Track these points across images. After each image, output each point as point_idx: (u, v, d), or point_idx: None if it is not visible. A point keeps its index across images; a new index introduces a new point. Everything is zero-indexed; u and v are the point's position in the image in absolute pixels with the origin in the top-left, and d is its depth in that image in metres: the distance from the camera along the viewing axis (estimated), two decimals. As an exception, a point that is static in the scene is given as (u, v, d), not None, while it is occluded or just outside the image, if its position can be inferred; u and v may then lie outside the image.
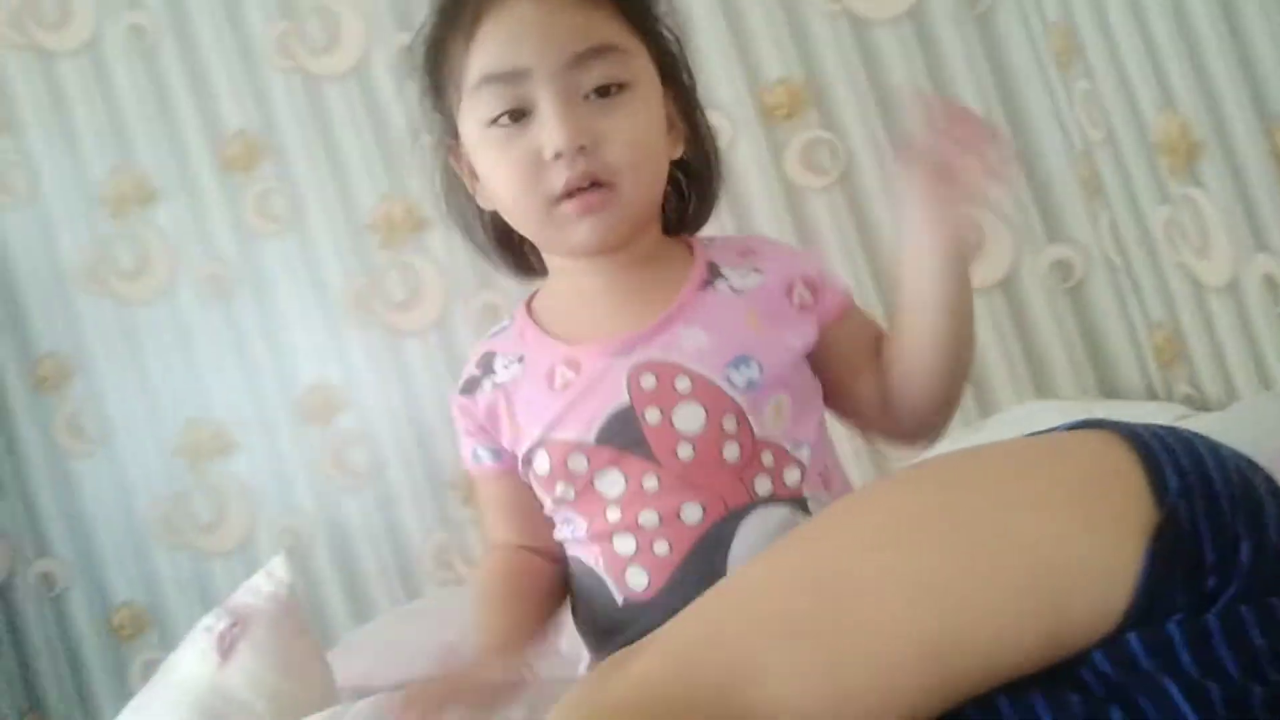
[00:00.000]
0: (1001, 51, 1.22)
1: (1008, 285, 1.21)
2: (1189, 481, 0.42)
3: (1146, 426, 0.46)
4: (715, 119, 1.24)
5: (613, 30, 0.58)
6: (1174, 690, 0.39)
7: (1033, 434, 0.51)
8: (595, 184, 0.56)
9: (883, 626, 0.42)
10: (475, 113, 0.57)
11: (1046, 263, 1.21)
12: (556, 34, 0.56)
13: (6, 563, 1.39)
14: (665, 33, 0.62)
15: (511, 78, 0.56)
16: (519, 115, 0.56)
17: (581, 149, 0.55)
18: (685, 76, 0.64)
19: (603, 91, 0.56)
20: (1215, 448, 0.45)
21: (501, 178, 0.58)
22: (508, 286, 1.29)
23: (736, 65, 1.26)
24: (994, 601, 0.42)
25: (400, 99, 1.31)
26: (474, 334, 1.30)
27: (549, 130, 0.55)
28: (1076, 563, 0.42)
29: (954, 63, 1.22)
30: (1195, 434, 0.45)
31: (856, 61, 1.24)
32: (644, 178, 0.58)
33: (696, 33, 1.25)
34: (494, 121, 0.56)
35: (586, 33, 0.56)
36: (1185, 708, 0.39)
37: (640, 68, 0.59)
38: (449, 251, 1.31)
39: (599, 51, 0.56)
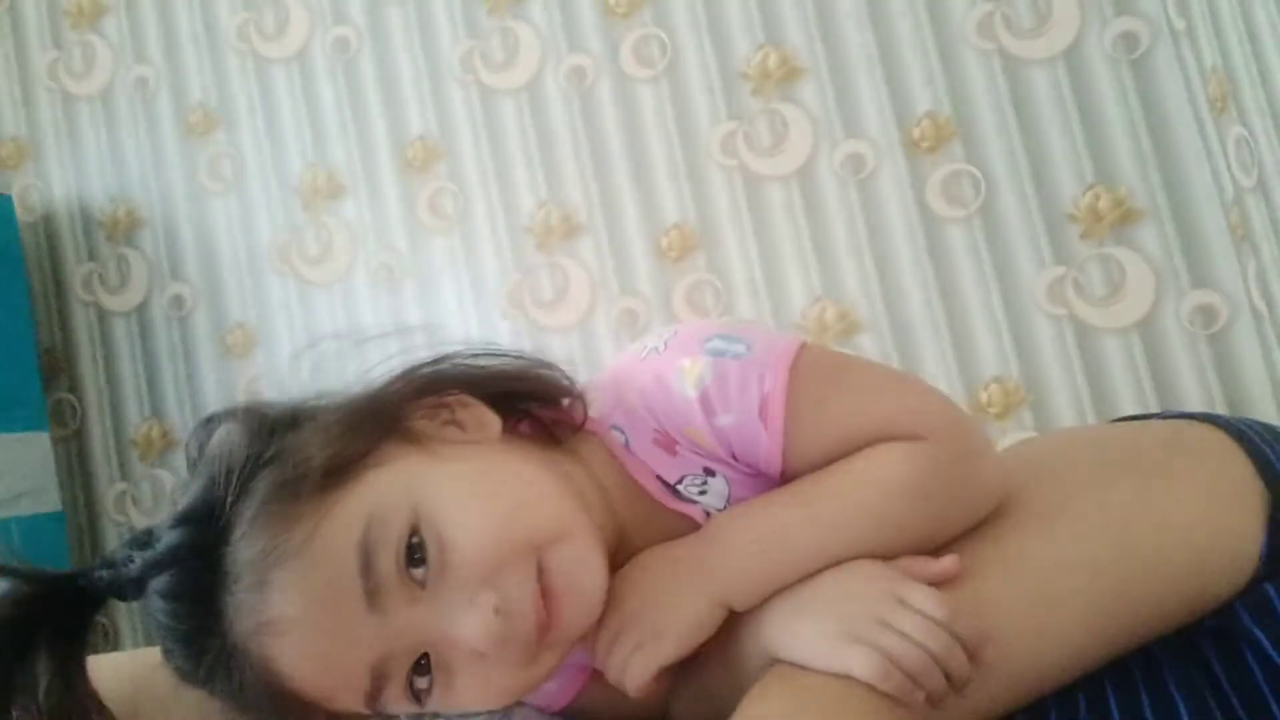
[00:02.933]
0: (1156, 95, 1.22)
1: (1145, 327, 1.21)
2: None
3: (1239, 419, 0.55)
4: (860, 148, 1.30)
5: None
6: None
7: (1144, 419, 0.63)
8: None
9: (1064, 602, 0.49)
10: None
11: (1189, 307, 1.20)
12: None
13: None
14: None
15: None
16: None
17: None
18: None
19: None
20: None
21: None
22: (648, 294, 1.38)
23: (885, 97, 1.30)
24: (1156, 579, 0.50)
25: (566, 114, 1.42)
26: (612, 336, 1.39)
27: None
28: (1215, 538, 0.50)
29: (1106, 105, 1.23)
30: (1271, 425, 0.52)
31: (1006, 99, 1.27)
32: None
33: (848, 63, 1.31)
34: None
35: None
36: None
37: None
38: (597, 258, 1.40)
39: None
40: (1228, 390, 1.18)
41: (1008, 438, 1.24)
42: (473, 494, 0.50)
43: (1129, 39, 1.23)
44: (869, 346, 1.29)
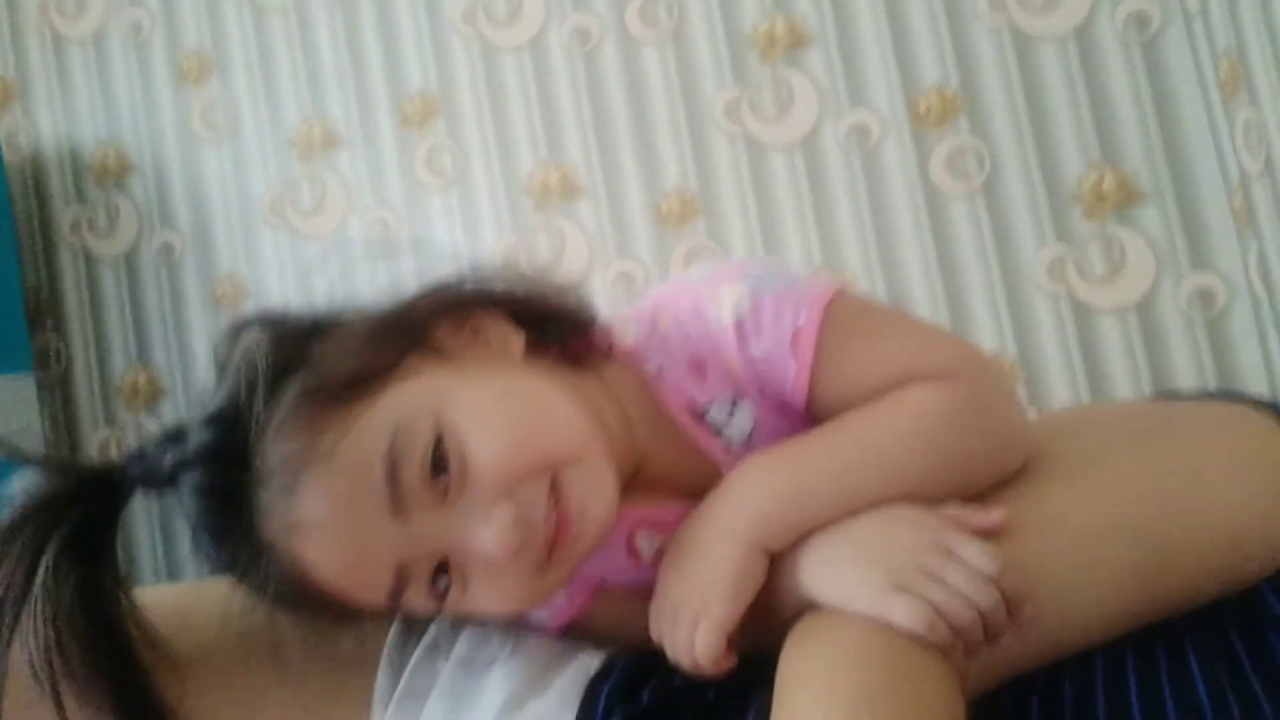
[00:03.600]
0: (1166, 77, 1.21)
1: (1143, 308, 1.21)
2: None
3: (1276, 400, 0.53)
4: (865, 118, 1.29)
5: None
6: None
7: (1181, 400, 0.63)
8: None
9: (1101, 567, 0.48)
10: None
11: (1188, 290, 1.20)
12: None
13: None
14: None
15: None
16: None
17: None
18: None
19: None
20: None
21: None
22: (645, 258, 1.37)
23: (893, 68, 1.29)
24: (1194, 554, 0.49)
25: (569, 74, 1.40)
26: (609, 300, 1.37)
27: None
28: (1255, 521, 0.49)
29: (1116, 85, 1.22)
30: None
31: (1015, 75, 1.25)
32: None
33: (857, 34, 1.30)
34: None
35: None
36: None
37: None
38: (596, 220, 1.39)
39: None
40: (1222, 374, 1.18)
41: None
42: (494, 411, 0.50)
43: (1141, 19, 1.22)
44: (867, 319, 1.28)
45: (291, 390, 0.47)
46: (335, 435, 0.47)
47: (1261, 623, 0.47)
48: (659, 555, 0.54)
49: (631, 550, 0.56)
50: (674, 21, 1.37)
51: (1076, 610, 0.47)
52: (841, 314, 0.52)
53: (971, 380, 0.51)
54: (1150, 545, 0.48)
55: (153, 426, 1.56)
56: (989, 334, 1.25)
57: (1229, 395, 0.60)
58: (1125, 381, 1.20)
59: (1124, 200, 1.22)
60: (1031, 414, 1.23)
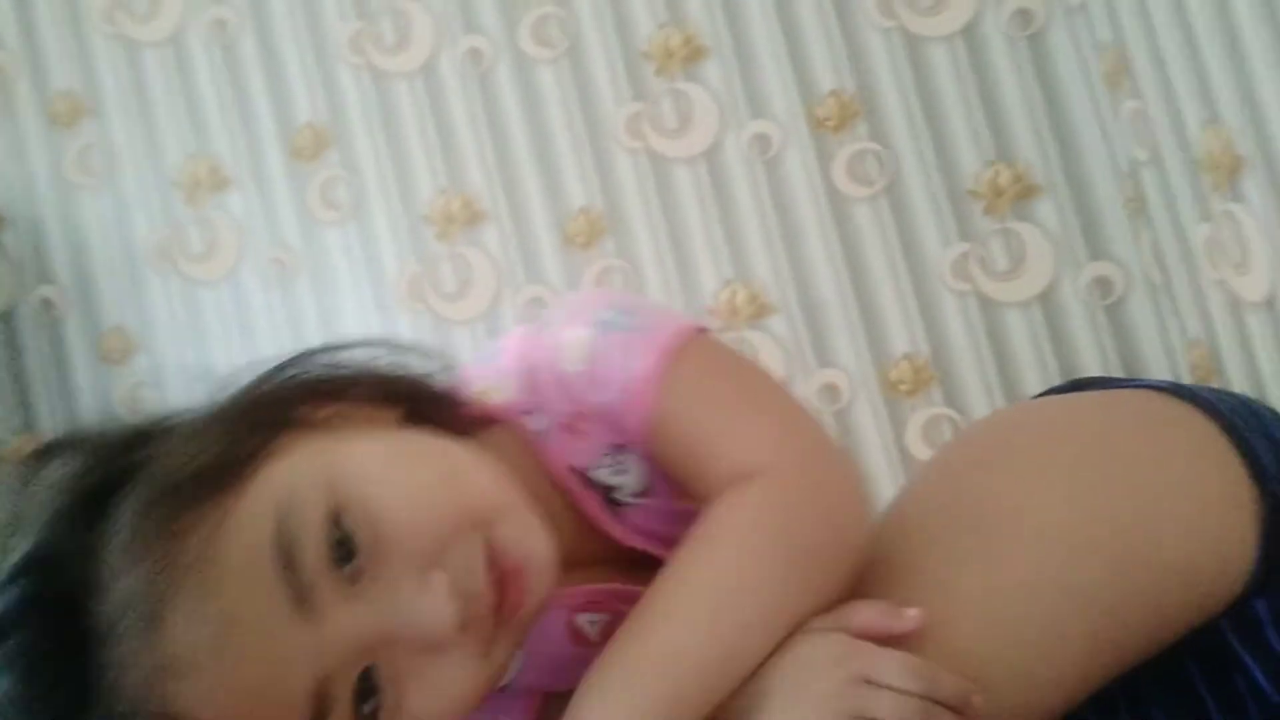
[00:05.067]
0: (1052, 71, 1.24)
1: (1045, 300, 1.23)
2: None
3: (1220, 399, 0.50)
4: (766, 128, 1.29)
5: None
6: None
7: (1122, 390, 0.57)
8: None
9: (1045, 570, 0.44)
10: None
11: (1087, 279, 1.23)
12: None
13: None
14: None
15: None
16: None
17: None
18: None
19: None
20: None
21: None
22: (555, 281, 1.34)
23: (789, 75, 1.29)
24: (1147, 599, 0.44)
25: (464, 99, 1.37)
26: (520, 326, 1.34)
27: None
28: (1206, 550, 0.45)
29: (1005, 80, 1.25)
30: (1260, 406, 0.49)
31: (908, 76, 1.27)
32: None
33: (752, 44, 1.30)
34: None
35: None
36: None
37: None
38: (501, 245, 1.36)
39: None
40: (1125, 359, 1.21)
41: (918, 415, 1.25)
42: (398, 464, 0.44)
43: (1024, 15, 1.24)
44: (781, 329, 1.28)
45: (129, 503, 0.39)
46: (202, 536, 0.38)
47: (1225, 665, 0.44)
48: (607, 633, 0.48)
49: (577, 637, 0.51)
50: (568, 39, 1.35)
51: (1032, 687, 0.43)
52: (688, 363, 0.48)
53: (795, 472, 0.46)
54: (1105, 605, 0.44)
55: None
56: (901, 335, 1.26)
57: (1139, 384, 0.57)
58: (1034, 372, 1.23)
59: (1020, 195, 1.24)
60: (950, 415, 1.24)
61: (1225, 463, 0.47)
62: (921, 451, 1.23)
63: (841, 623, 0.43)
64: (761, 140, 1.30)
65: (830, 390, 1.27)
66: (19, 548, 0.39)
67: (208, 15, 1.44)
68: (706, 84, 1.31)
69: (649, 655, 0.42)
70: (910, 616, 0.42)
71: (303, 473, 0.42)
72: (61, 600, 0.38)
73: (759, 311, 1.29)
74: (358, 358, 0.51)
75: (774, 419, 0.50)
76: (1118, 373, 1.21)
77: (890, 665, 0.40)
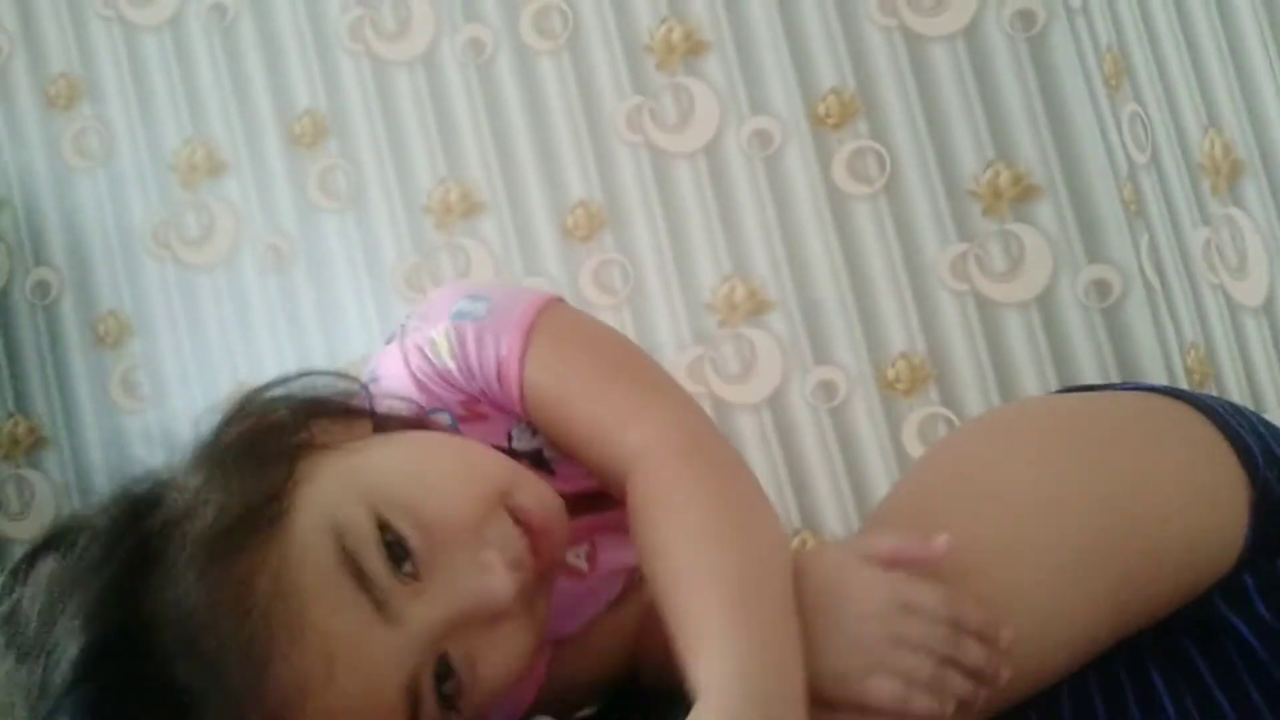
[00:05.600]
0: (1052, 73, 1.24)
1: (1043, 301, 1.23)
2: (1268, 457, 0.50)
3: (1209, 399, 0.55)
4: (766, 124, 1.29)
5: None
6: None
7: (1120, 390, 0.62)
8: None
9: (1061, 534, 0.46)
10: None
11: (1085, 282, 1.23)
12: None
13: (51, 512, 1.45)
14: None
15: None
16: None
17: None
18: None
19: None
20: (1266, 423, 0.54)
21: None
22: (553, 274, 1.34)
23: (790, 72, 1.29)
24: (1152, 566, 0.48)
25: (465, 88, 1.36)
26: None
27: None
28: (1204, 531, 0.49)
29: (1005, 81, 1.25)
30: (1244, 408, 0.52)
31: (909, 75, 1.27)
32: None
33: (754, 40, 1.30)
34: None
35: None
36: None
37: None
38: (500, 237, 1.35)
39: None
40: (1121, 362, 1.22)
41: (914, 414, 1.25)
42: (421, 463, 0.47)
43: (1026, 17, 1.24)
44: (779, 325, 1.28)
45: (182, 566, 0.38)
46: (269, 577, 0.39)
47: (1216, 631, 0.46)
48: (593, 560, 0.54)
49: (571, 573, 0.55)
50: (569, 31, 1.34)
51: (1045, 647, 0.45)
52: (546, 337, 0.51)
53: (674, 432, 0.50)
54: (1114, 569, 0.46)
55: (35, 479, 1.46)
56: (899, 334, 1.26)
57: (1133, 387, 0.60)
58: (1031, 374, 1.23)
59: (1020, 196, 1.24)
60: (946, 414, 1.25)
61: (1217, 450, 0.50)
62: (917, 450, 1.24)
63: (868, 550, 0.45)
64: (762, 136, 1.30)
65: (827, 387, 1.27)
66: (67, 648, 0.38)
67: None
68: (707, 79, 1.31)
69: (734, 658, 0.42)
70: (939, 543, 0.44)
71: (338, 492, 0.44)
72: (143, 683, 0.38)
73: (757, 308, 1.29)
74: (302, 385, 0.52)
75: (639, 380, 0.53)
76: (1114, 375, 1.22)
77: (925, 591, 0.42)
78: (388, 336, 0.57)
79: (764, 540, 0.45)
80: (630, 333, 1.31)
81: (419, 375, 0.53)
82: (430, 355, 0.52)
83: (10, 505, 1.46)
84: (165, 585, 0.39)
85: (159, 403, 1.44)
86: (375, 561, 0.42)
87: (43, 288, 1.47)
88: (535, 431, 0.54)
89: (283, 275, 1.41)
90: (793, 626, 0.42)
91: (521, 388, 0.51)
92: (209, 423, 0.48)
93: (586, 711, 0.57)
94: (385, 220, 1.39)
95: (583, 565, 0.56)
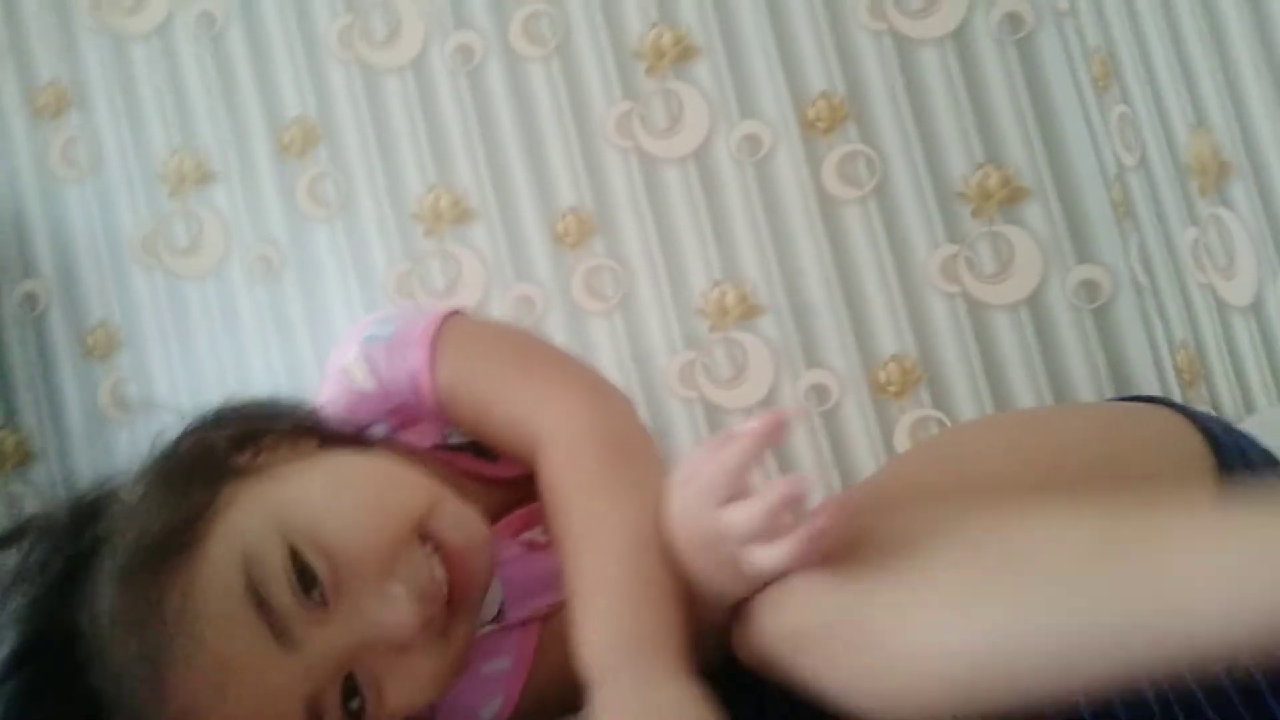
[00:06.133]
0: (1041, 75, 1.24)
1: (1033, 303, 1.24)
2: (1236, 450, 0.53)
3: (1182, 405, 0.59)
4: (756, 129, 1.29)
5: None
6: None
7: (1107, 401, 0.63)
8: None
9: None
10: None
11: (1074, 282, 1.23)
12: None
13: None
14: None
15: None
16: None
17: None
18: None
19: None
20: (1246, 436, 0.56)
21: None
22: (544, 280, 1.34)
23: (780, 77, 1.29)
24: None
25: (454, 94, 1.36)
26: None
27: None
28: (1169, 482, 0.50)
29: (994, 84, 1.25)
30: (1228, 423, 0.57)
31: (898, 79, 1.27)
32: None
33: (744, 45, 1.30)
34: None
35: None
36: None
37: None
38: (490, 244, 1.35)
39: None
40: (1112, 363, 1.22)
41: (906, 416, 1.25)
42: (335, 495, 0.48)
43: (1014, 20, 1.25)
44: (770, 329, 1.28)
45: (104, 579, 0.41)
46: (179, 596, 0.41)
47: None
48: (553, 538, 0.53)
49: (534, 547, 0.57)
50: (558, 37, 1.34)
51: None
52: (452, 347, 0.55)
53: (584, 402, 0.53)
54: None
55: (25, 493, 1.45)
56: (889, 337, 1.26)
57: (1138, 400, 0.61)
58: (1022, 375, 1.23)
59: (1009, 198, 1.24)
60: (937, 416, 1.25)
61: (1186, 434, 0.53)
62: (909, 453, 1.24)
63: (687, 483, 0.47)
64: (752, 141, 1.30)
65: (819, 391, 1.27)
66: (4, 641, 0.42)
67: (195, 8, 1.43)
68: (697, 84, 1.31)
69: (601, 573, 0.46)
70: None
71: (254, 520, 0.45)
72: (61, 684, 0.41)
73: (748, 312, 1.29)
74: (253, 405, 0.55)
75: (543, 371, 0.57)
76: (1104, 375, 1.22)
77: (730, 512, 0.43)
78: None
79: (651, 508, 0.47)
80: (622, 338, 1.31)
81: (344, 398, 0.57)
82: (349, 381, 0.56)
83: None
84: (91, 595, 0.42)
85: (149, 415, 1.43)
86: (280, 590, 0.43)
87: (31, 299, 1.46)
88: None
89: (272, 284, 1.41)
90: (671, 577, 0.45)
91: (436, 394, 0.54)
92: (169, 435, 0.51)
93: None
94: (375, 228, 1.39)
95: (544, 540, 0.57)
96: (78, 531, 0.45)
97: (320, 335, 1.40)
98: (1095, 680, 0.37)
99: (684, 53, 1.31)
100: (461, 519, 0.50)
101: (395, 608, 0.45)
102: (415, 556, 0.47)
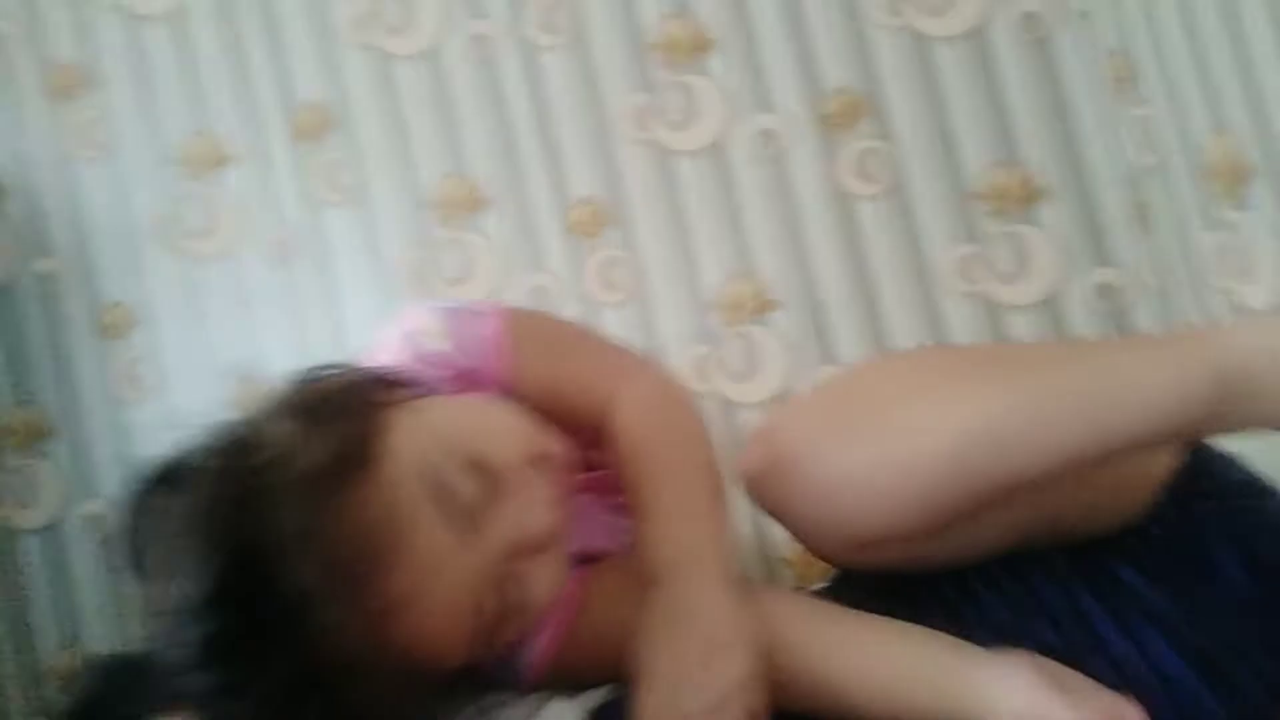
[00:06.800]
0: (1058, 75, 1.24)
1: (1051, 304, 1.23)
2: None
3: None
4: (772, 123, 1.29)
5: None
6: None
7: None
8: None
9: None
10: None
11: (1092, 285, 1.23)
12: None
13: (56, 501, 1.45)
14: None
15: None
16: None
17: None
18: None
19: None
20: None
21: None
22: (557, 270, 1.34)
23: (796, 71, 1.29)
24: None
25: (469, 83, 1.36)
26: (522, 314, 1.34)
27: None
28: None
29: (1011, 83, 1.25)
30: None
31: (915, 76, 1.27)
32: None
33: (760, 38, 1.29)
34: None
35: None
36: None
37: None
38: (504, 232, 1.35)
39: None
40: (1125, 364, 1.22)
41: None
42: (481, 419, 0.56)
43: (1032, 19, 1.24)
44: (783, 325, 1.28)
45: (288, 500, 0.46)
46: (371, 505, 0.47)
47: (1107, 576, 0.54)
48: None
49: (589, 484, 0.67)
50: (574, 27, 1.34)
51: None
52: (522, 317, 0.65)
53: (643, 379, 0.64)
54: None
55: (41, 468, 1.46)
56: (903, 335, 1.26)
57: None
58: (1035, 375, 1.23)
59: (1026, 198, 1.24)
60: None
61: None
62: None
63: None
64: (767, 135, 1.30)
65: (830, 387, 1.27)
66: (194, 568, 0.45)
67: (213, -9, 1.43)
68: (713, 77, 1.31)
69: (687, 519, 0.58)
70: None
71: (418, 439, 0.52)
72: (262, 593, 0.45)
73: (762, 307, 1.29)
74: (350, 364, 0.61)
75: (607, 346, 0.70)
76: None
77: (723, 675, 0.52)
78: (372, 341, 0.66)
79: (713, 472, 0.60)
80: (634, 330, 1.31)
81: (414, 362, 0.62)
82: (419, 344, 0.61)
83: (15, 495, 1.46)
84: (273, 518, 0.46)
85: (162, 394, 1.44)
86: (458, 491, 0.50)
87: (46, 279, 1.47)
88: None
89: (286, 267, 1.41)
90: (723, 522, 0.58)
91: (512, 355, 0.62)
92: (276, 388, 0.56)
93: None
94: (389, 214, 1.39)
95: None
96: (242, 462, 0.49)
97: (333, 318, 1.40)
98: (1064, 448, 0.48)
99: (700, 45, 1.31)
100: (559, 442, 0.58)
101: (539, 513, 0.53)
102: (543, 471, 0.55)
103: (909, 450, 0.50)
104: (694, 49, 1.31)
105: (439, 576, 0.49)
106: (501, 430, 0.55)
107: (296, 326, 1.41)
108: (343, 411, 0.52)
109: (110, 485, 1.44)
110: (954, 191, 1.25)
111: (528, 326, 0.64)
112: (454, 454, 0.51)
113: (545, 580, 0.55)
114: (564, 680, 0.59)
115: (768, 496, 0.56)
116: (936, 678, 0.49)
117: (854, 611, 0.54)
